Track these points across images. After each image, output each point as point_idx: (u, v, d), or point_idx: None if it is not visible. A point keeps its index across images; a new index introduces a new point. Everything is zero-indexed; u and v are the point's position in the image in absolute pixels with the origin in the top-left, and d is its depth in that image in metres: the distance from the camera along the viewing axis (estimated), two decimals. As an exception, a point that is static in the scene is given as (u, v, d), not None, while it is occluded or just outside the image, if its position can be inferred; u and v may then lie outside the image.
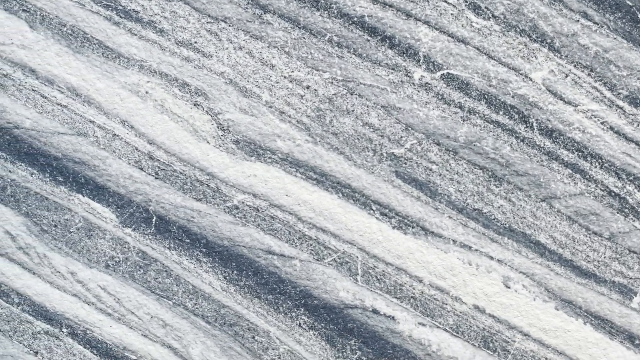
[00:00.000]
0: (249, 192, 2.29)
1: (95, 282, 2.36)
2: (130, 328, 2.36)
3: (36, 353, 2.36)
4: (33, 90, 2.29)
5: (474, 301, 2.24)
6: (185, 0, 2.23)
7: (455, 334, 2.24)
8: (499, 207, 2.16)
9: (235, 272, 2.32)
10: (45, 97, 2.29)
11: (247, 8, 2.23)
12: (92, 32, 2.27)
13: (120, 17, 2.26)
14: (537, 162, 2.12)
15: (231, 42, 2.25)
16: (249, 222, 2.30)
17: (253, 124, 2.27)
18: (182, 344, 2.33)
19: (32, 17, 2.28)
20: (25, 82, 2.28)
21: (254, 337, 2.33)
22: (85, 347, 2.35)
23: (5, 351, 2.34)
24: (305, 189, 2.27)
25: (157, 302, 2.35)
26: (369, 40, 2.21)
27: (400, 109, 2.21)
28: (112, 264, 2.36)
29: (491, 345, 2.23)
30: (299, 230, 2.28)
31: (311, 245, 2.28)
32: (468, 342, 2.24)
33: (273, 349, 2.31)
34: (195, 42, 2.26)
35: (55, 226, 2.36)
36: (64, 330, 2.37)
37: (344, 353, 2.29)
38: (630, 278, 2.09)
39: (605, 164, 2.07)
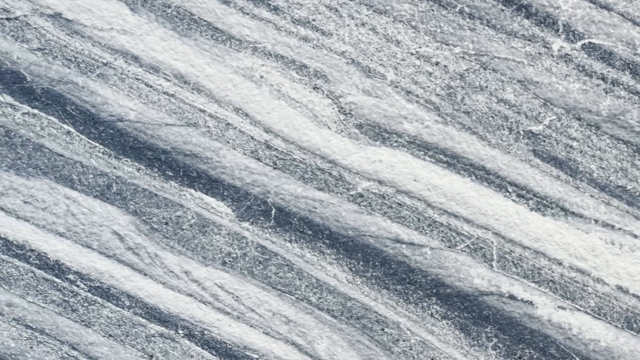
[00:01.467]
0: (374, 179, 1.71)
1: (211, 281, 1.80)
2: (251, 326, 1.81)
3: (151, 357, 1.80)
4: (137, 79, 1.62)
5: (617, 282, 1.72)
6: (301, -26, 1.67)
7: (597, 316, 1.72)
8: (641, 183, 1.62)
9: (361, 263, 1.77)
10: (151, 86, 1.63)
11: (369, -19, 1.67)
12: (199, 12, 1.66)
13: (230, -4, 1.70)
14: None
15: (353, 18, 1.68)
16: (374, 210, 1.72)
17: (377, 106, 1.71)
18: (306, 340, 1.79)
19: None
20: (128, 71, 1.61)
21: (383, 330, 1.79)
22: (203, 348, 1.80)
23: (118, 357, 1.78)
24: (435, 173, 1.72)
25: (278, 298, 1.79)
26: (503, 10, 1.66)
27: (538, 83, 1.67)
28: (229, 261, 1.78)
29: (635, 325, 1.72)
30: (429, 217, 1.69)
31: (442, 232, 1.73)
32: (610, 323, 1.72)
33: (404, 341, 1.78)
34: (314, 20, 1.67)
35: (167, 224, 1.75)
36: (180, 331, 1.79)
37: (479, 341, 1.76)
38: None
39: None
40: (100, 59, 1.63)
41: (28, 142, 1.67)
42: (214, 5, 1.60)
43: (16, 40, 1.63)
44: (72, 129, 1.66)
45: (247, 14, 1.60)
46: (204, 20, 1.61)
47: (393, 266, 1.67)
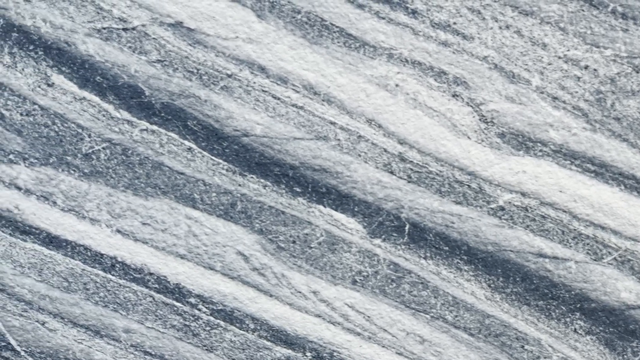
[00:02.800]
0: (516, 191, 1.29)
1: (341, 300, 1.42)
2: (383, 347, 1.41)
3: (278, 381, 1.41)
4: (263, 91, 1.20)
5: None
6: (441, -26, 1.29)
7: None
8: None
9: (501, 279, 1.35)
10: (278, 98, 1.21)
11: (515, -21, 1.29)
12: (331, 18, 1.24)
13: (365, -1, 1.33)
14: None
15: (496, 21, 1.28)
16: (516, 223, 1.29)
17: (521, 113, 1.33)
18: (441, 359, 1.44)
19: (260, 5, 1.20)
20: (254, 82, 1.19)
21: (522, 347, 1.42)
22: (332, 371, 1.41)
23: (244, 382, 1.39)
24: (582, 183, 1.33)
25: (412, 317, 1.40)
26: (659, 9, 1.29)
27: (694, 85, 1.30)
28: (360, 279, 1.37)
29: None
30: (574, 229, 1.28)
31: (588, 244, 1.34)
32: None
33: (545, 358, 1.40)
34: (454, 23, 1.24)
35: (294, 242, 1.33)
36: (308, 354, 1.35)
37: (625, 356, 1.39)
38: None
39: None
40: (224, 70, 1.25)
41: (146, 161, 1.29)
42: (347, 9, 1.22)
43: (134, 52, 1.24)
44: (193, 146, 1.28)
45: (383, 18, 1.22)
46: (337, 27, 1.23)
47: (535, 281, 1.30)
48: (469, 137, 1.20)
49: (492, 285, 1.25)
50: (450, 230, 1.23)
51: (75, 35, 1.18)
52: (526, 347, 1.26)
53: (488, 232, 1.23)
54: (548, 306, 1.24)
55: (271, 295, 1.27)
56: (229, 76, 1.19)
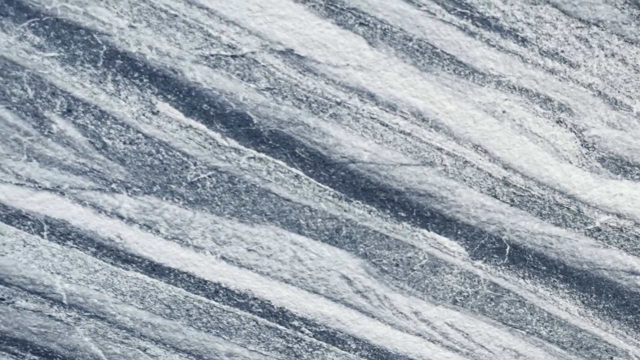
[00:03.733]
0: (613, 213, 1.11)
1: (441, 320, 1.25)
2: None
3: (378, 398, 1.26)
4: (372, 118, 1.00)
5: None
6: (553, 2, 1.09)
7: None
8: None
9: (594, 295, 1.18)
10: (386, 125, 1.02)
11: (623, 8, 1.09)
12: (442, 45, 1.03)
13: (477, 26, 0.98)
14: None
15: (602, 49, 1.10)
16: (611, 243, 1.11)
17: (621, 138, 1.15)
18: None
19: (372, 32, 1.00)
20: (363, 110, 0.99)
21: (611, 358, 1.24)
22: (431, 387, 1.26)
23: (345, 400, 1.23)
24: None
25: (509, 333, 1.23)
26: None
27: None
28: (460, 299, 1.18)
29: None
30: None
31: None
32: None
33: None
34: (562, 51, 1.06)
35: (397, 265, 1.15)
36: None
37: None
38: None
39: None
40: (334, 98, 1.07)
41: (253, 188, 1.11)
42: (458, 37, 1.06)
43: (242, 79, 1.06)
44: (300, 173, 1.10)
45: (493, 46, 1.07)
46: (447, 54, 1.06)
47: (626, 297, 1.18)
48: (570, 162, 1.06)
49: (585, 302, 1.12)
50: (549, 251, 1.10)
51: (182, 62, 0.99)
52: (614, 358, 1.14)
53: (584, 252, 1.10)
54: (637, 320, 1.13)
55: (373, 317, 1.11)
56: (338, 104, 1.02)
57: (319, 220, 1.05)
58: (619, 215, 1.07)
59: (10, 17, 0.94)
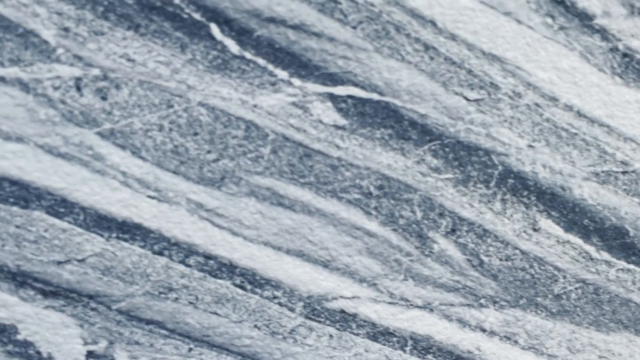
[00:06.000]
0: None
1: None
2: None
3: None
4: None
5: None
6: None
7: None
8: None
9: None
10: None
11: None
12: None
13: None
14: None
15: None
16: None
17: None
18: None
19: None
20: None
21: None
22: None
23: None
24: None
25: None
26: None
27: None
28: None
29: None
30: None
31: None
32: None
33: None
34: None
35: None
36: None
37: None
38: None
39: None
40: None
41: (615, 298, 1.10)
42: None
43: (627, 194, 1.03)
44: (663, 282, 1.09)
45: None
46: None
47: None
48: None
49: None
50: None
51: (573, 179, 0.97)
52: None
53: None
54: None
55: None
56: None
57: (673, 326, 1.05)
58: None
59: (412, 141, 0.89)
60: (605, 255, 1.01)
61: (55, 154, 0.81)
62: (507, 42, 0.87)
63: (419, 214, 0.93)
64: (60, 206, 0.84)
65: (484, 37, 0.86)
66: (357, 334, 0.98)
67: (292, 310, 0.94)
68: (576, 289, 1.02)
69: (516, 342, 1.04)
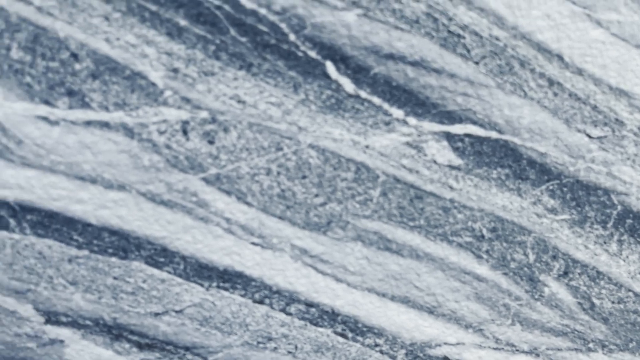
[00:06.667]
0: None
1: None
2: None
3: None
4: None
5: None
6: None
7: None
8: None
9: None
10: None
11: None
12: None
13: None
14: None
15: None
16: None
17: None
18: None
19: None
20: None
21: None
22: None
23: None
24: None
25: None
26: None
27: None
28: None
29: None
30: None
31: None
32: None
33: None
34: None
35: None
36: None
37: None
38: None
39: None
40: None
41: None
42: None
43: None
44: None
45: None
46: None
47: None
48: None
49: None
50: None
51: None
52: None
53: None
54: None
55: None
56: None
57: None
58: None
59: (529, 181, 0.84)
60: None
61: (157, 202, 0.76)
62: (637, 77, 0.81)
63: (532, 257, 0.88)
64: (160, 256, 0.78)
65: (613, 72, 0.80)
66: (456, 379, 0.93)
67: (393, 358, 0.89)
68: (689, 331, 0.97)
69: (623, 386, 0.98)
